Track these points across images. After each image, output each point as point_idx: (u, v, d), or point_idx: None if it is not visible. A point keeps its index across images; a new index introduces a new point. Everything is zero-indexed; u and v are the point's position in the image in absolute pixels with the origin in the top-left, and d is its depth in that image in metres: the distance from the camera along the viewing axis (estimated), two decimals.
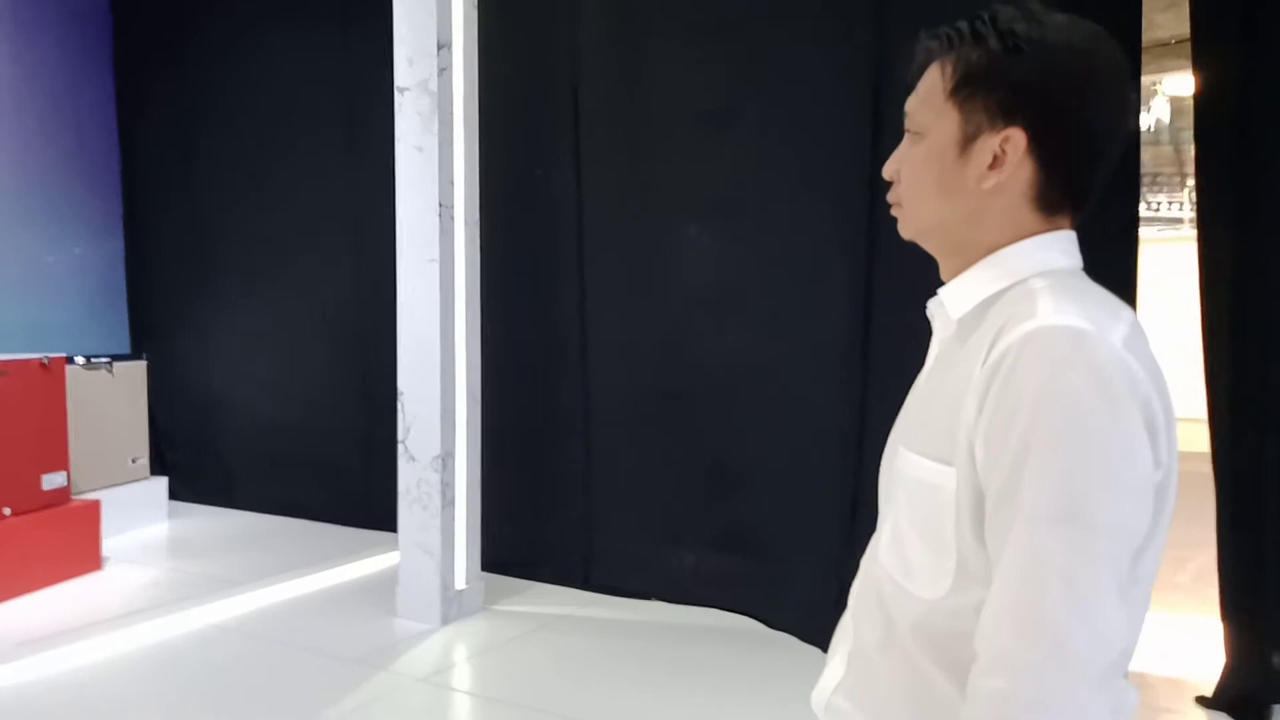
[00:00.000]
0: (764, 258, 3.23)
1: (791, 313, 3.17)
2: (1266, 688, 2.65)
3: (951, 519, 0.83)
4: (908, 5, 2.82)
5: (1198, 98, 2.71)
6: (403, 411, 3.22)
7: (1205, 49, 2.68)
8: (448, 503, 3.19)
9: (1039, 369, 0.76)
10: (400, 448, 3.23)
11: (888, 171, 0.95)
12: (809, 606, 3.00)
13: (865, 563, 1.01)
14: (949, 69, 0.88)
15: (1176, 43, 3.44)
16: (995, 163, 0.85)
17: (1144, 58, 2.73)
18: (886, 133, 2.84)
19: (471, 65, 3.28)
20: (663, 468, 3.43)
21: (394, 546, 3.34)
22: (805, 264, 3.15)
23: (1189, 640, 3.01)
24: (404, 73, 3.17)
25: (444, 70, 3.14)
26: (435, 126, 3.12)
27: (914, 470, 0.89)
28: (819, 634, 2.60)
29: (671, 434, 3.41)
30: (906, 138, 0.93)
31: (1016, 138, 0.84)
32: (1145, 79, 5.28)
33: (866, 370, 2.98)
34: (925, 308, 0.98)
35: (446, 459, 3.18)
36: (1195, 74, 2.70)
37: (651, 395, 3.46)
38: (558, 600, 3.45)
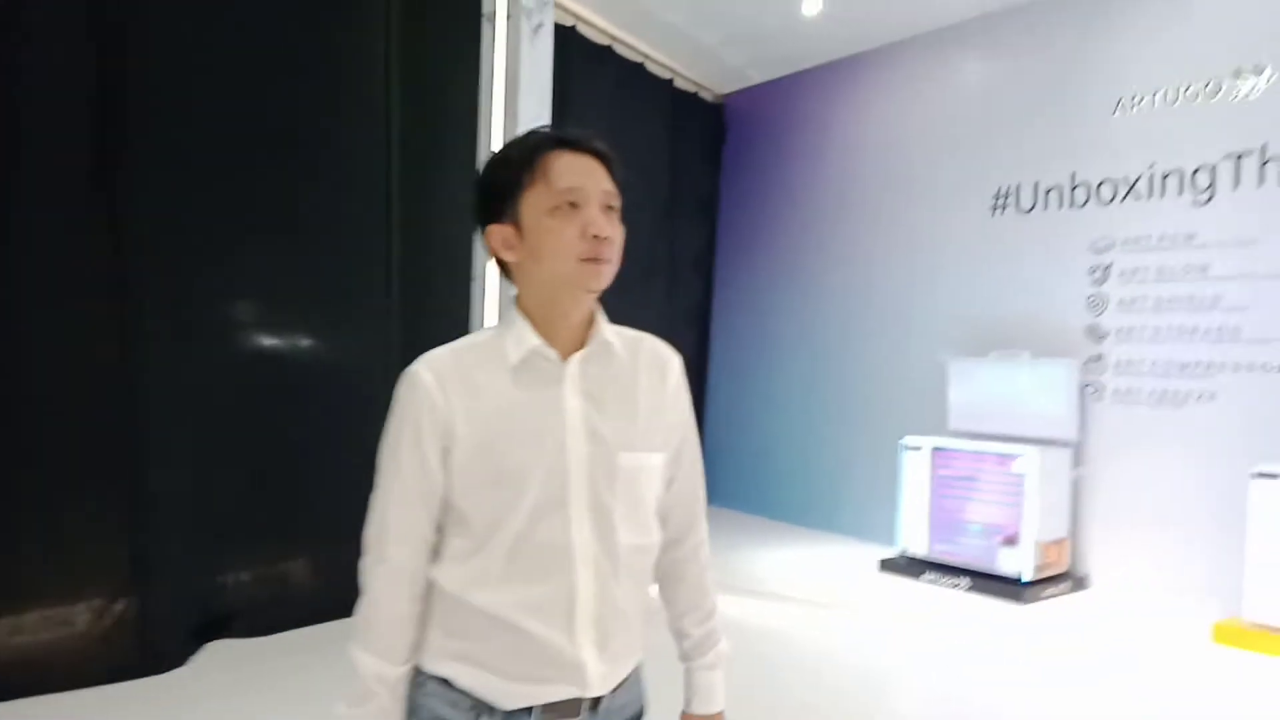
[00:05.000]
0: None
1: None
2: None
3: (659, 481, 1.39)
4: None
5: None
6: None
7: None
8: None
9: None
10: None
11: (608, 231, 1.27)
12: None
13: (594, 569, 1.28)
14: (611, 175, 1.32)
15: None
16: None
17: None
18: None
19: None
20: None
21: None
22: None
23: None
24: None
25: None
26: None
27: (643, 462, 1.34)
28: None
29: None
30: (611, 212, 1.30)
31: None
32: None
33: None
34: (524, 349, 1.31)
35: None
36: None
37: None
38: None
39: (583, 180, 1.26)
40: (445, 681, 1.28)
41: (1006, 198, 6.05)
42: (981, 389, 5.87)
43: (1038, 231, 5.86)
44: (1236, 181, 4.98)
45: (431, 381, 1.27)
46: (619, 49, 6.80)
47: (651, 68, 7.19)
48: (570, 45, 6.12)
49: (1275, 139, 4.83)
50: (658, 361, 1.40)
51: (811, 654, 4.19)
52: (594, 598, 1.27)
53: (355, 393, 4.54)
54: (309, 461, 4.33)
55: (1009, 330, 5.91)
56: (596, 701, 1.29)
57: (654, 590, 1.46)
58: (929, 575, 5.59)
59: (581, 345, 1.32)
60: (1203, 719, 3.58)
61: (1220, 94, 5.04)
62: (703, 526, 1.49)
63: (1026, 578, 5.21)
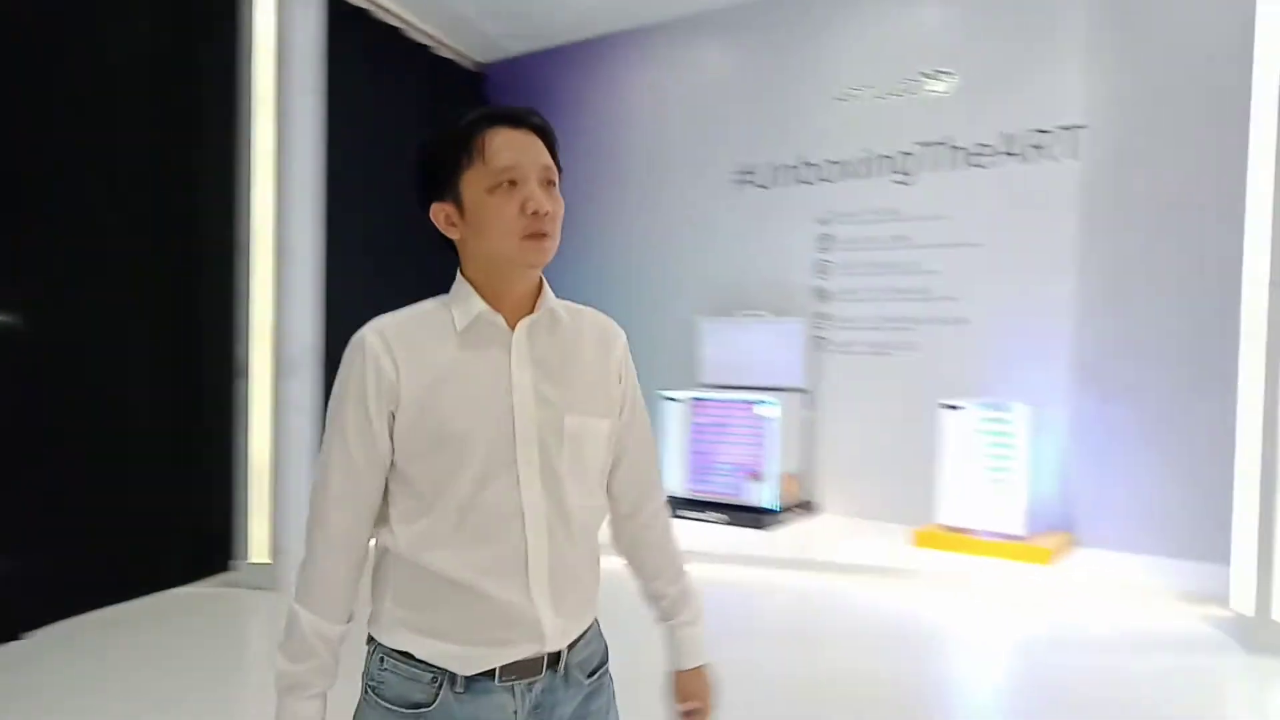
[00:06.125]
0: None
1: None
2: None
3: (605, 447, 1.37)
4: None
5: None
6: None
7: None
8: None
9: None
10: None
11: (548, 207, 1.27)
12: None
13: (546, 528, 1.27)
14: (550, 151, 1.32)
15: None
16: None
17: None
18: None
19: None
20: None
21: None
22: None
23: None
24: None
25: None
26: None
27: (589, 426, 1.33)
28: None
29: None
30: (551, 186, 1.29)
31: None
32: None
33: None
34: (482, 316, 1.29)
35: None
36: None
37: None
38: None
39: (520, 157, 1.26)
40: (405, 655, 1.27)
41: (747, 174, 6.78)
42: (728, 345, 6.59)
43: (773, 205, 6.64)
44: (931, 166, 5.97)
45: (377, 344, 1.25)
46: (375, 12, 6.75)
47: (409, 33, 7.19)
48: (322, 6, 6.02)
49: (958, 133, 5.85)
50: (603, 332, 1.43)
51: None
52: (546, 556, 1.27)
53: (88, 369, 4.39)
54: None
55: (750, 292, 6.67)
56: (556, 658, 1.30)
57: (622, 562, 1.50)
58: (688, 511, 6.26)
59: (527, 314, 1.33)
60: (904, 603, 4.46)
61: (918, 93, 6.00)
62: (660, 494, 1.50)
63: (773, 507, 6.01)
